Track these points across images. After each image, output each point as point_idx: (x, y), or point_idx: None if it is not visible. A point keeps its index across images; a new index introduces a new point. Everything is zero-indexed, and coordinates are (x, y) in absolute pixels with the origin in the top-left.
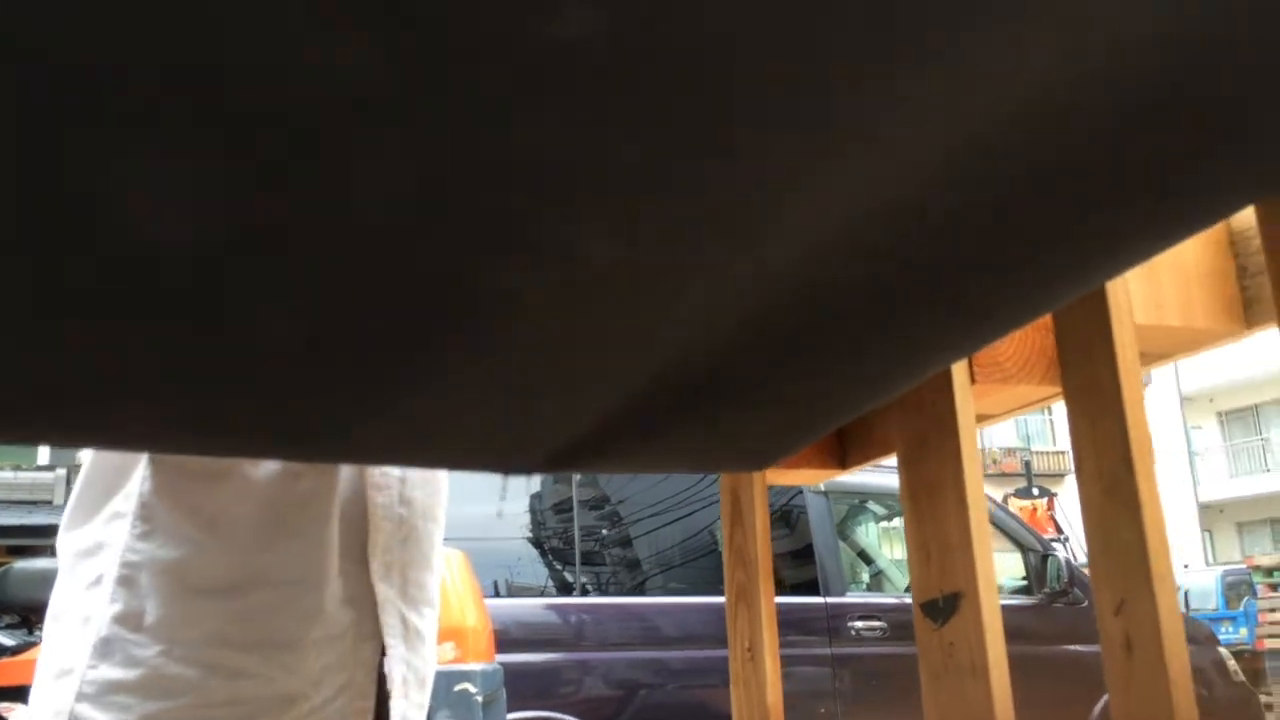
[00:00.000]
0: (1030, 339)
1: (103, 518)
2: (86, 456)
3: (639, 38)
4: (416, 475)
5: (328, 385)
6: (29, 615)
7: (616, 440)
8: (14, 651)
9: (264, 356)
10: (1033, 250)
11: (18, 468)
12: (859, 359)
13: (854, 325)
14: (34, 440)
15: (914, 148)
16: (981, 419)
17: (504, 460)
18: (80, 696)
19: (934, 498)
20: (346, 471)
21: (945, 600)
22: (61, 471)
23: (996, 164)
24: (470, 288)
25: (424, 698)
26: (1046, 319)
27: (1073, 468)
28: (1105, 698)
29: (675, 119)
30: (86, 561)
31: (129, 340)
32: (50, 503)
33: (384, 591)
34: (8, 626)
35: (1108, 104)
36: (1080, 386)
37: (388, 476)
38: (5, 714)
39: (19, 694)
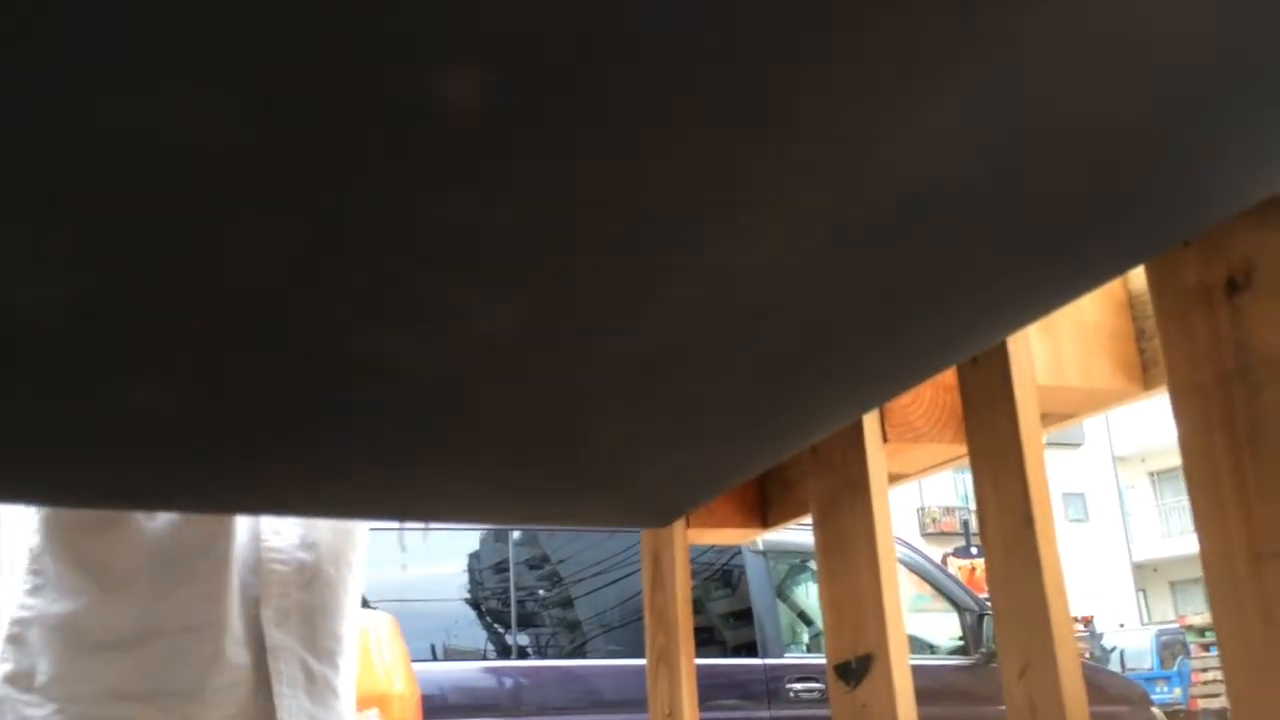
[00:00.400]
0: (941, 399)
1: None
2: None
3: (514, 104)
4: (323, 519)
5: (208, 449)
6: None
7: (507, 500)
8: None
9: (141, 421)
10: (919, 313)
11: None
12: (739, 419)
13: (738, 385)
14: None
15: (803, 218)
16: (894, 478)
17: (405, 513)
18: None
19: (846, 556)
20: (242, 517)
21: (858, 662)
22: None
23: (881, 235)
24: (343, 353)
25: None
26: (954, 380)
27: None
28: None
29: (549, 185)
30: None
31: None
32: None
33: (277, 638)
34: None
35: (997, 187)
36: (983, 446)
37: (285, 521)
38: None
39: None
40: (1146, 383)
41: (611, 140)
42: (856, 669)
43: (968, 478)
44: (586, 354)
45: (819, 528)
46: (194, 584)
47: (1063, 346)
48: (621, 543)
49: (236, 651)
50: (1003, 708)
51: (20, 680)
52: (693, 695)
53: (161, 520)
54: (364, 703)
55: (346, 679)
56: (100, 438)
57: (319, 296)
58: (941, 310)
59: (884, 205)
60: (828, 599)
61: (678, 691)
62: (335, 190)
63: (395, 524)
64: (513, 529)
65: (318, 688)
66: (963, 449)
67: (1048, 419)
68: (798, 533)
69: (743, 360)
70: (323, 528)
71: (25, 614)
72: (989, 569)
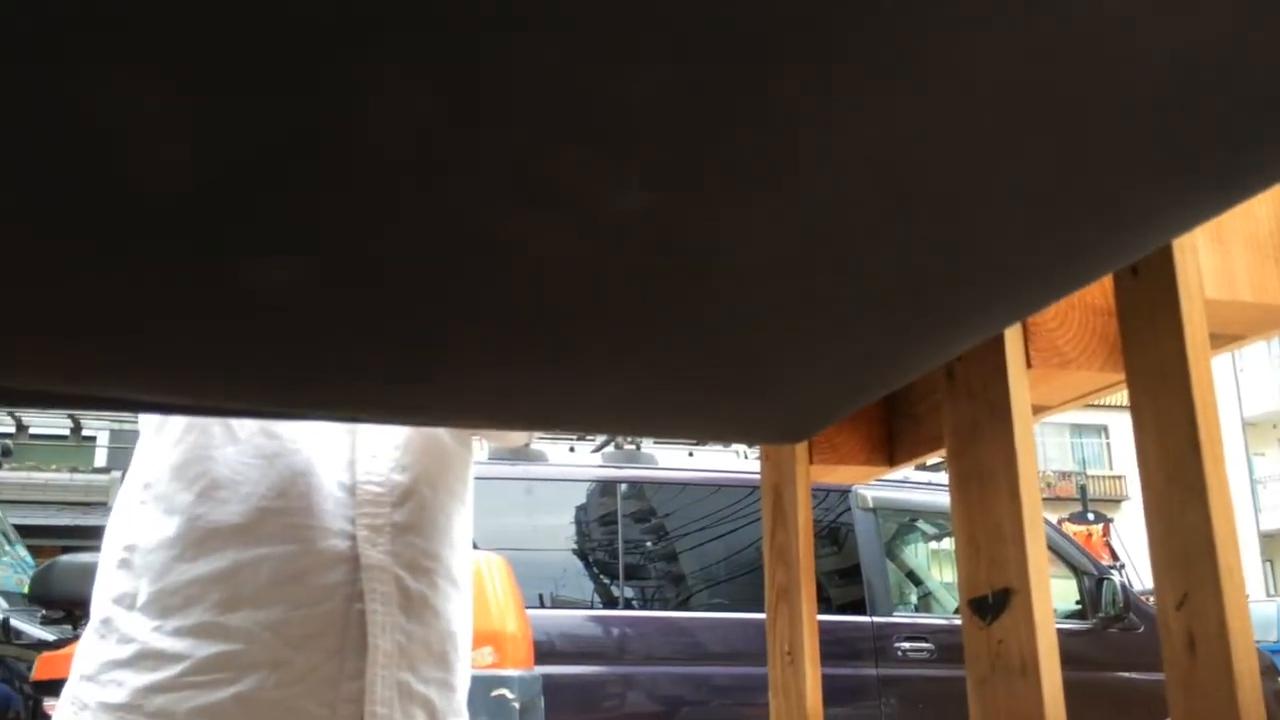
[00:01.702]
0: (1092, 323)
1: (120, 504)
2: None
3: None
4: (418, 443)
5: (337, 337)
6: (72, 609)
7: (647, 407)
8: (55, 646)
9: (267, 303)
10: (1082, 210)
11: (75, 470)
12: (878, 324)
13: (878, 286)
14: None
15: (970, 97)
16: (1038, 410)
17: (533, 423)
18: (82, 677)
19: (985, 488)
20: (342, 438)
21: (995, 596)
22: (117, 474)
23: (1049, 117)
24: (471, 235)
25: (445, 674)
26: (1109, 301)
27: (1130, 494)
28: None
29: (706, 52)
30: (106, 548)
31: (133, 278)
32: (105, 504)
33: (372, 556)
34: (50, 621)
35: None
36: (1143, 364)
37: (382, 443)
38: (48, 710)
39: (60, 688)
40: None
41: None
42: (994, 603)
43: (1085, 442)
44: (724, 247)
45: (954, 458)
46: (288, 503)
47: (1234, 258)
48: (727, 498)
49: (329, 569)
50: (1121, 674)
51: (125, 600)
52: (813, 633)
53: (259, 441)
54: (478, 640)
55: (447, 598)
56: (220, 324)
57: (448, 172)
58: (1105, 209)
59: (1055, 84)
60: (962, 532)
61: (798, 629)
62: (464, 54)
63: (510, 464)
64: (624, 472)
65: (414, 604)
66: (1113, 377)
67: (1215, 340)
68: (908, 491)
69: (886, 257)
70: (417, 452)
71: (132, 539)
72: (1146, 499)
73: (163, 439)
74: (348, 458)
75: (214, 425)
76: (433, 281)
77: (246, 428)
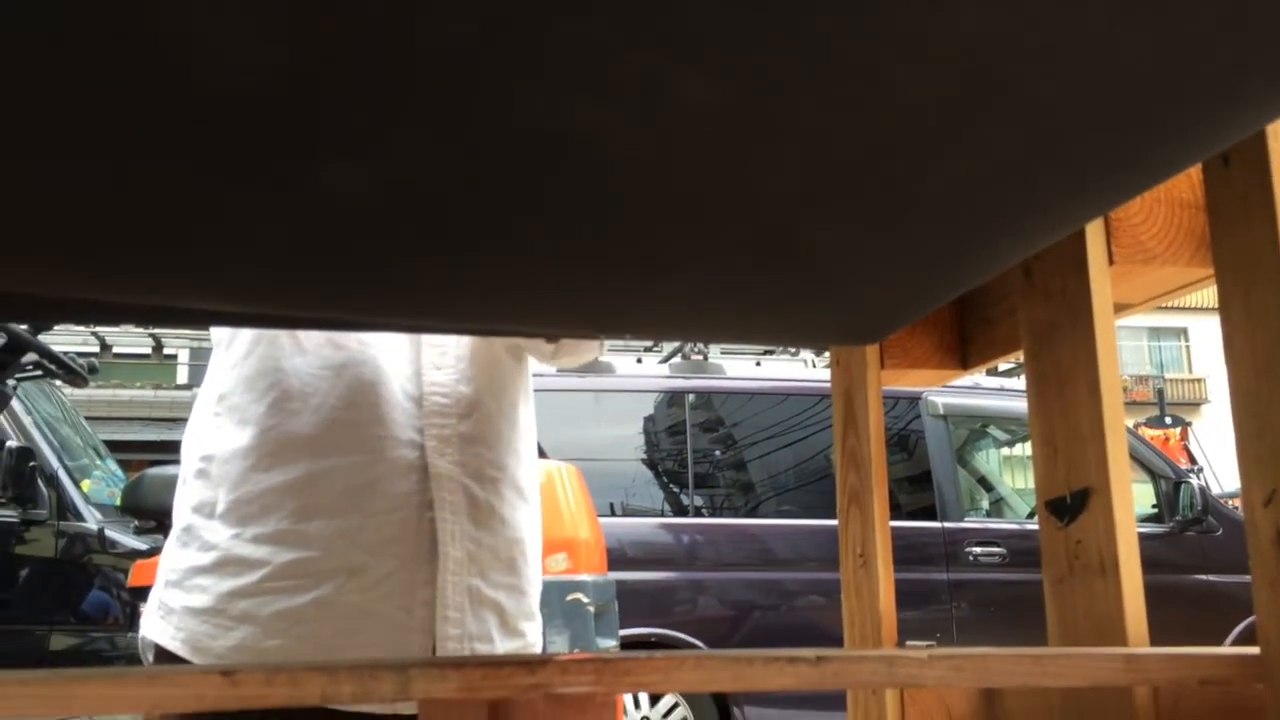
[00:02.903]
0: (1178, 217)
1: (195, 416)
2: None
3: None
4: (482, 355)
5: (405, 238)
6: (162, 519)
7: (714, 310)
8: (147, 554)
9: (330, 211)
10: (1169, 93)
11: (158, 387)
12: (956, 216)
13: (955, 175)
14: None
15: None
16: (1120, 309)
17: (600, 326)
18: (167, 584)
19: (1063, 388)
20: (403, 351)
21: (1073, 497)
22: (198, 390)
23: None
24: (537, 129)
25: (514, 579)
26: (1196, 194)
27: (1210, 397)
28: (1239, 628)
29: None
30: (184, 459)
31: (223, 182)
32: (186, 420)
33: (440, 465)
34: (142, 530)
35: None
36: (1234, 256)
37: (445, 355)
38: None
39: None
40: None
41: None
42: (1072, 504)
43: (1163, 345)
44: (799, 137)
45: (1031, 359)
46: (358, 413)
47: None
48: (795, 406)
49: (400, 478)
50: (1199, 576)
51: (204, 509)
52: (885, 536)
53: (327, 353)
54: (551, 546)
55: (515, 508)
56: (291, 232)
57: (513, 64)
58: (1194, 90)
59: None
60: (1039, 434)
61: (870, 532)
62: None
63: (579, 376)
64: (692, 382)
65: (481, 513)
66: (1200, 273)
67: None
68: (980, 397)
69: (962, 150)
70: (481, 363)
71: (209, 450)
72: (1234, 395)
73: (233, 353)
74: (412, 369)
75: (282, 337)
76: (504, 180)
77: (313, 339)
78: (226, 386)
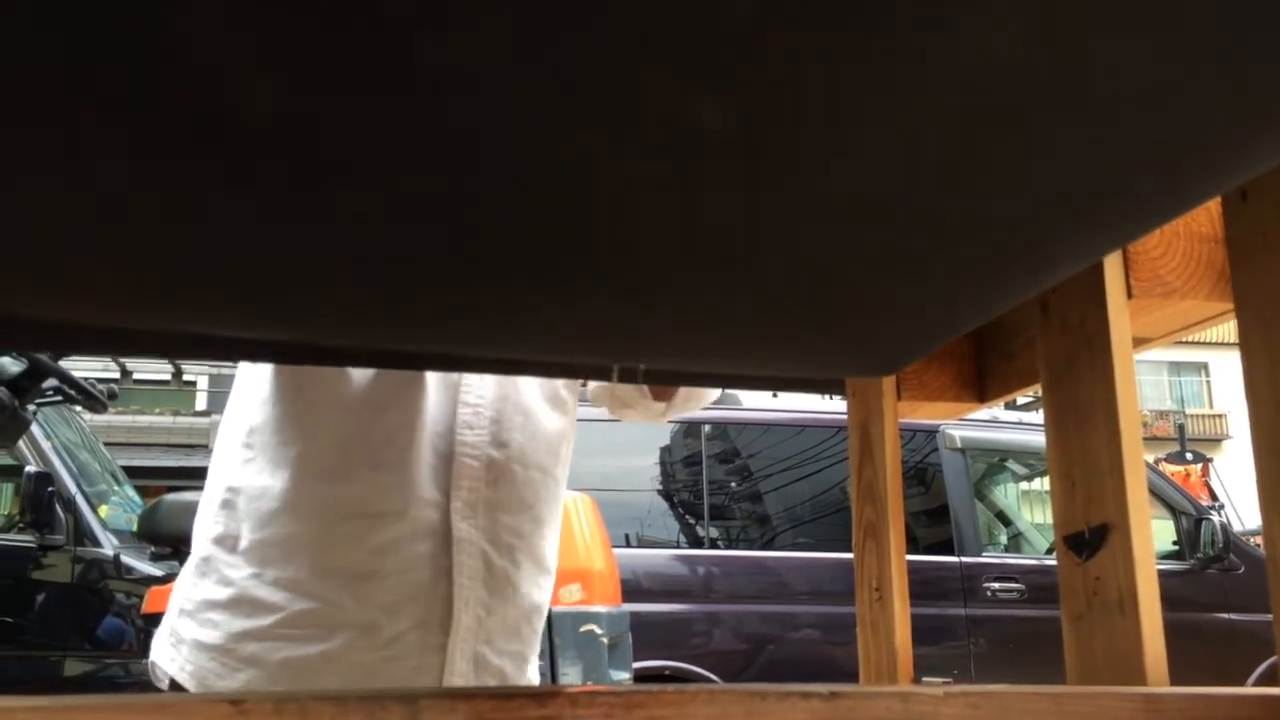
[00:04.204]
0: (1197, 251)
1: (224, 443)
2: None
3: None
4: (514, 419)
5: (406, 274)
6: (178, 545)
7: (724, 348)
8: (162, 580)
9: (346, 231)
10: (1194, 122)
11: (176, 413)
12: (973, 247)
13: (972, 207)
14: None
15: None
16: (1139, 342)
17: (615, 356)
18: (181, 613)
19: (1081, 422)
20: (436, 408)
21: (1092, 532)
22: (217, 418)
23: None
24: (550, 155)
25: (519, 647)
26: (1215, 228)
27: (1232, 433)
28: (1260, 668)
29: None
30: (210, 483)
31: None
32: (206, 446)
33: (463, 529)
34: (158, 556)
35: None
36: (1254, 291)
37: (479, 416)
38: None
39: None
40: None
41: None
42: (1090, 540)
43: (1183, 380)
44: (814, 168)
45: (1049, 392)
46: (386, 470)
47: None
48: (811, 439)
49: (421, 539)
50: (1220, 615)
51: (226, 542)
52: (901, 570)
53: (360, 402)
54: (565, 577)
55: (531, 578)
56: (315, 252)
57: (525, 88)
58: (1213, 124)
59: None
60: (1057, 468)
61: (885, 566)
62: None
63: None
64: (708, 413)
65: (496, 581)
66: (1219, 307)
67: None
68: (998, 431)
69: (982, 181)
70: (513, 427)
71: (237, 483)
72: (1255, 431)
73: (262, 387)
74: (445, 425)
75: (316, 383)
76: (512, 209)
77: (350, 386)
78: (257, 420)
